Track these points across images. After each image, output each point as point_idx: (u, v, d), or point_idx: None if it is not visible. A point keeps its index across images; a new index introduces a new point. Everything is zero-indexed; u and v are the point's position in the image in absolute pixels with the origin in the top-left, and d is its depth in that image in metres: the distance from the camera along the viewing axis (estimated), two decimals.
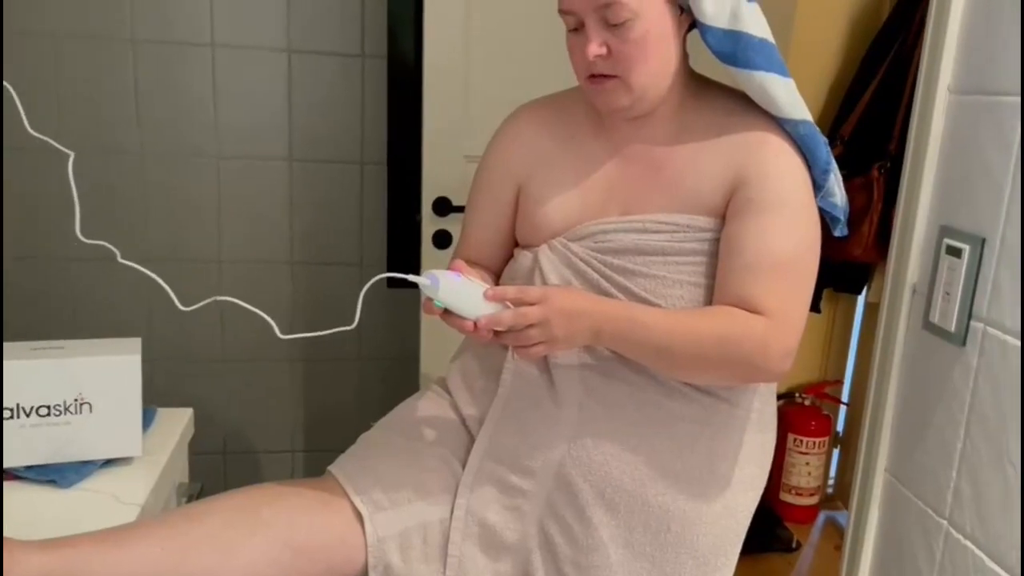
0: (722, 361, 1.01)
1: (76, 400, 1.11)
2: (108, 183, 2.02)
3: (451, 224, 1.86)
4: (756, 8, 1.02)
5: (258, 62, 2.03)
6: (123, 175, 2.03)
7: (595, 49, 1.00)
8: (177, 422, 1.30)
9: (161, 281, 1.01)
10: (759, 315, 1.01)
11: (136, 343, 1.17)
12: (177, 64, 2.00)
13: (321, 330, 1.02)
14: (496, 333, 0.97)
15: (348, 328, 1.01)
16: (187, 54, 2.00)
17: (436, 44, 1.79)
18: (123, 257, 1.03)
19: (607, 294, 1.07)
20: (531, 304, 0.95)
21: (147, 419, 1.26)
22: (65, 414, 1.11)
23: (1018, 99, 1.02)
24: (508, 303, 0.96)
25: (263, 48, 2.03)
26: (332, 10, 2.03)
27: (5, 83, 1.18)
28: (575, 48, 1.04)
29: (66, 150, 1.09)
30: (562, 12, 1.03)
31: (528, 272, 1.13)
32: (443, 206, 1.85)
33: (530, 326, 0.95)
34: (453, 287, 0.96)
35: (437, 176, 1.84)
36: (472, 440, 1.13)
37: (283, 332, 0.98)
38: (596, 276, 1.08)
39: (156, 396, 2.10)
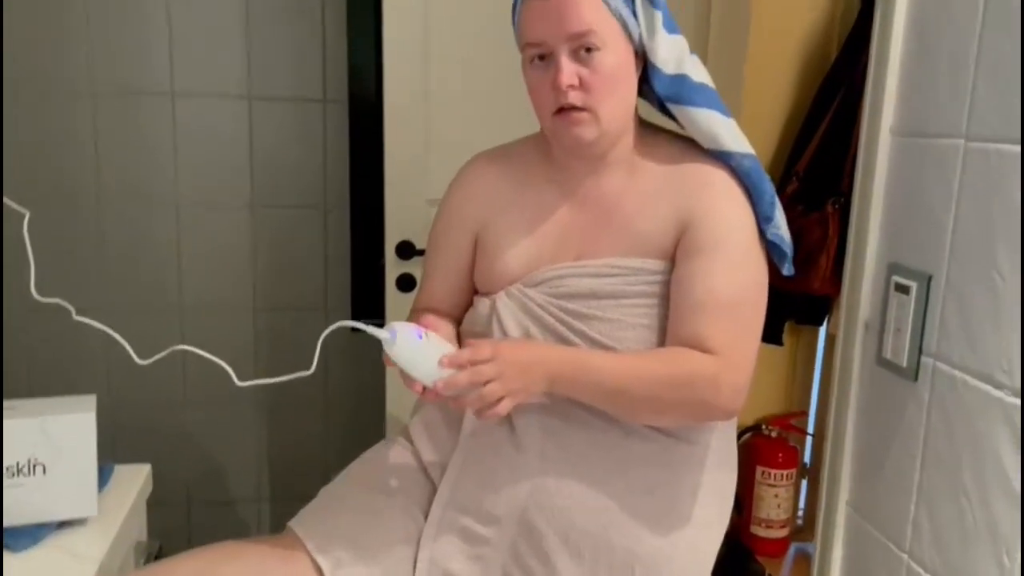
0: (675, 401, 1.03)
1: (30, 461, 1.09)
2: (67, 232, 2.00)
3: (414, 268, 1.86)
4: (697, 59, 1.07)
5: (219, 109, 2.04)
6: (83, 224, 2.02)
7: (568, 78, 1.01)
8: (134, 479, 1.28)
9: (118, 336, 1.01)
10: (709, 354, 1.02)
11: (91, 400, 1.15)
12: (137, 113, 2.00)
13: (285, 375, 1.02)
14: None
15: (306, 374, 1.01)
16: (147, 103, 2.00)
17: (396, 88, 1.80)
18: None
19: (564, 339, 1.08)
20: (484, 361, 0.96)
21: (103, 477, 1.24)
22: (18, 476, 1.09)
23: (959, 141, 1.06)
24: (464, 364, 0.97)
25: (224, 95, 2.03)
26: (293, 56, 2.04)
27: None
28: (541, 82, 1.04)
29: (21, 209, 1.09)
30: (530, 45, 1.04)
31: (487, 319, 1.14)
32: (406, 250, 1.85)
33: (488, 382, 0.96)
34: (409, 346, 0.96)
35: (399, 220, 1.85)
36: (435, 489, 1.12)
37: (246, 378, 0.99)
38: (553, 321, 1.09)
39: (117, 446, 2.07)
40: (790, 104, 2.13)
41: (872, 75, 1.22)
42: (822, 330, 2.39)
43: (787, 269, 1.15)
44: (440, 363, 0.96)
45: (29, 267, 1.03)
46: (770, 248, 1.12)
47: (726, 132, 1.09)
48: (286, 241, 2.13)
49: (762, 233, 1.10)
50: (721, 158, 1.10)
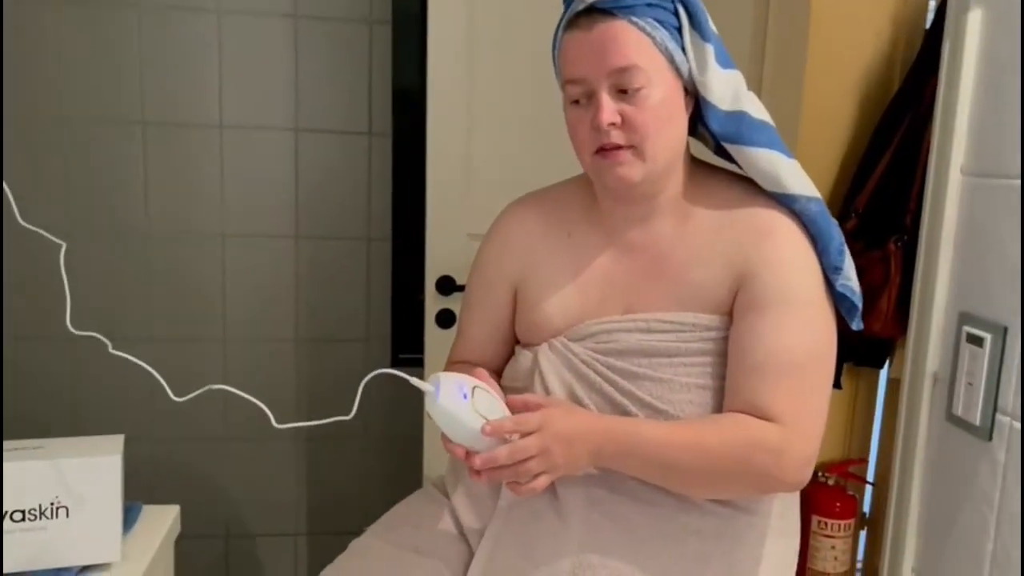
0: (734, 475, 0.94)
1: (53, 504, 1.06)
2: (113, 263, 2.01)
3: (454, 303, 1.82)
4: (754, 96, 0.99)
5: (266, 142, 2.04)
6: (129, 255, 2.02)
7: (609, 116, 0.94)
8: (162, 520, 1.24)
9: (154, 372, 0.99)
10: (772, 422, 0.94)
11: (119, 441, 1.12)
12: (185, 145, 2.01)
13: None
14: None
15: (345, 418, 0.96)
16: (195, 135, 2.01)
17: (439, 122, 1.78)
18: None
19: (611, 399, 1.01)
20: (529, 433, 0.89)
21: (130, 517, 1.21)
22: (41, 519, 1.06)
23: None
24: (507, 434, 0.89)
25: (271, 128, 2.04)
26: (339, 89, 2.04)
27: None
28: (581, 122, 0.97)
29: (57, 240, 1.08)
30: (569, 83, 0.97)
31: (528, 373, 1.07)
32: (447, 285, 1.82)
33: (529, 458, 0.89)
34: (452, 405, 0.87)
35: (440, 255, 1.82)
36: (470, 552, 1.06)
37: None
38: (599, 380, 1.01)
39: (155, 479, 2.05)
40: (849, 137, 2.05)
41: (940, 110, 1.14)
42: (883, 373, 2.28)
43: (856, 324, 1.05)
44: (482, 432, 0.88)
45: (66, 299, 1.03)
46: (838, 301, 1.03)
47: (789, 174, 1.00)
48: (329, 273, 2.11)
49: (829, 284, 1.02)
50: (784, 202, 1.01)
